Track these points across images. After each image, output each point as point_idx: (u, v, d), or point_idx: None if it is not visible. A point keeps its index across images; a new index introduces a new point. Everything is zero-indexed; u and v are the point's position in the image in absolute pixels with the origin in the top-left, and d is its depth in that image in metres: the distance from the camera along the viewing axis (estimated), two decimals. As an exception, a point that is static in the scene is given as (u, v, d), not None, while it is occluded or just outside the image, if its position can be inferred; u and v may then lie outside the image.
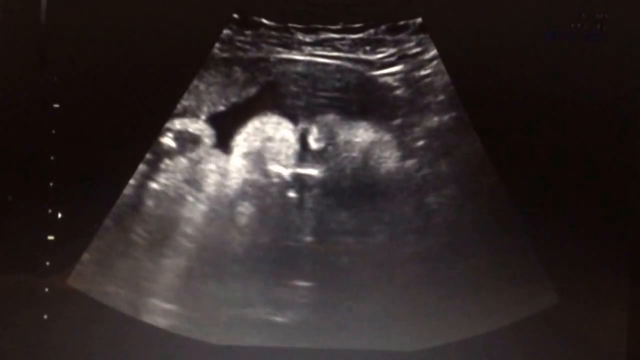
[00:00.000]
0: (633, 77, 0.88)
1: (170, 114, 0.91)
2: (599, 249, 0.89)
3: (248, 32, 0.92)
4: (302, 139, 0.92)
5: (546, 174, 0.89)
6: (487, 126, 0.90)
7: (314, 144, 0.92)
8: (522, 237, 0.89)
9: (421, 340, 0.90)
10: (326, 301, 0.91)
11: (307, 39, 0.91)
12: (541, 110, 0.88)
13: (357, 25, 0.91)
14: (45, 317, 0.89)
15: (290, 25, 0.91)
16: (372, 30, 0.92)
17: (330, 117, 0.92)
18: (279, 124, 0.92)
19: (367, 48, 0.92)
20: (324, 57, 0.92)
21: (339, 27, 0.91)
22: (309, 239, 0.92)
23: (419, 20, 0.91)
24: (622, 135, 0.88)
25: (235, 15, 0.92)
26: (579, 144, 0.89)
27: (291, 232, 0.92)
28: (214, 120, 0.92)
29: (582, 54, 0.88)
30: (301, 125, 0.92)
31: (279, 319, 0.91)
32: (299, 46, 0.91)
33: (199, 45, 0.90)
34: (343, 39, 0.91)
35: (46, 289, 0.89)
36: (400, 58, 0.92)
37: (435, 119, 0.91)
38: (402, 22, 0.91)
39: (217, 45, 0.92)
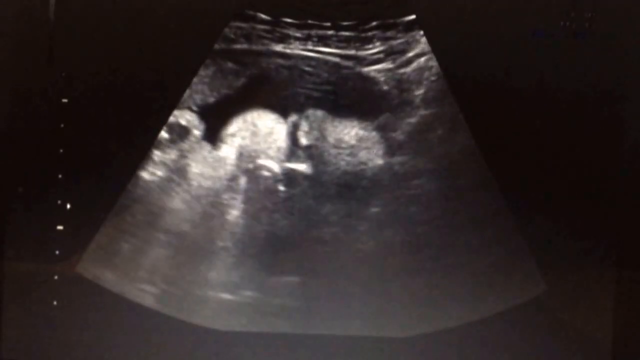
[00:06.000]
0: (620, 73, 0.90)
1: (174, 109, 0.93)
2: (586, 239, 0.90)
3: (241, 25, 0.93)
4: (292, 133, 0.93)
5: (535, 166, 0.90)
6: (477, 120, 0.91)
7: (303, 138, 0.94)
8: (511, 227, 0.91)
9: (412, 327, 0.92)
10: (317, 289, 0.93)
11: (299, 34, 0.93)
12: (530, 105, 0.90)
13: (348, 23, 0.93)
14: (55, 303, 0.91)
15: (283, 20, 0.93)
16: (363, 28, 0.93)
17: (320, 112, 0.93)
18: (268, 117, 0.93)
19: (358, 44, 0.93)
20: (315, 52, 0.93)
21: (330, 24, 0.93)
22: (298, 230, 0.93)
23: (410, 18, 0.93)
24: (610, 129, 0.90)
25: (245, 11, 0.93)
26: (567, 137, 0.90)
27: (280, 223, 0.93)
28: (205, 113, 0.94)
29: (570, 51, 0.90)
30: (291, 119, 0.93)
31: (270, 305, 0.93)
32: (291, 41, 0.93)
33: (203, 40, 0.92)
34: (334, 35, 0.93)
35: (55, 277, 0.91)
36: (390, 55, 0.93)
37: (423, 113, 0.93)
38: (392, 20, 0.93)
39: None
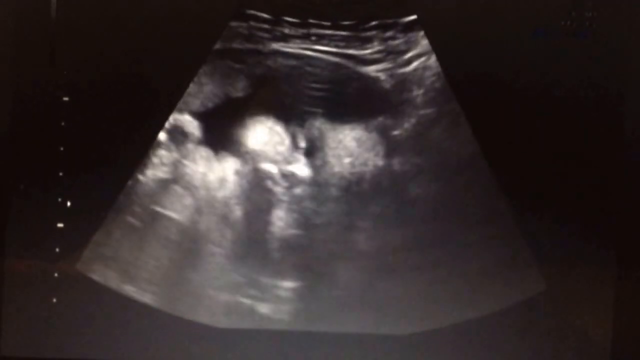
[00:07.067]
0: (619, 72, 0.90)
1: (174, 108, 0.93)
2: (586, 237, 0.90)
3: (241, 25, 0.93)
4: (291, 133, 0.94)
5: (535, 164, 0.91)
6: (478, 119, 0.91)
7: (302, 138, 0.94)
8: (512, 226, 0.91)
9: (413, 325, 0.92)
10: (318, 288, 0.93)
11: (300, 34, 0.93)
12: (531, 104, 0.90)
13: (348, 22, 0.93)
14: (55, 300, 0.91)
15: (283, 19, 0.93)
16: (363, 27, 0.93)
17: (320, 111, 0.93)
18: (268, 116, 0.94)
19: (358, 44, 0.93)
20: (315, 52, 0.93)
21: (330, 23, 0.93)
22: (298, 230, 0.94)
23: (410, 18, 0.93)
24: (610, 128, 0.90)
25: (245, 11, 0.93)
26: (567, 137, 0.90)
27: (280, 223, 0.93)
28: (205, 113, 0.94)
29: (571, 50, 0.90)
30: (290, 119, 0.94)
31: (269, 304, 0.93)
32: (291, 40, 0.93)
33: (204, 40, 0.92)
34: (334, 34, 0.93)
35: (56, 274, 0.92)
36: (390, 54, 0.93)
37: (424, 113, 0.93)
38: (392, 20, 0.93)
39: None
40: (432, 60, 0.93)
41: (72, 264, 0.92)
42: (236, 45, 0.93)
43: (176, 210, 0.94)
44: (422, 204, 0.93)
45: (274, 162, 0.94)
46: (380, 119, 0.94)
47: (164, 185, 0.94)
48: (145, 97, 0.92)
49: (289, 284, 0.93)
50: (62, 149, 0.91)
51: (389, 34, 0.94)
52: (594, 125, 0.90)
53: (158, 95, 0.92)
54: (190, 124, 0.94)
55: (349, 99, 0.94)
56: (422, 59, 0.94)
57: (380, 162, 0.94)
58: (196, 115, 0.94)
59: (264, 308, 0.93)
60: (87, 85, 0.91)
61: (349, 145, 0.94)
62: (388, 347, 0.92)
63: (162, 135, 0.94)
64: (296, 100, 0.94)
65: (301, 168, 0.94)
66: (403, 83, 0.94)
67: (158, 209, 0.94)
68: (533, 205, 0.91)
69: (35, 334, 0.92)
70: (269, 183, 0.94)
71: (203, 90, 0.94)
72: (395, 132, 0.94)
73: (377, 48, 0.94)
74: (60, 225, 0.91)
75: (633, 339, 0.91)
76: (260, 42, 0.93)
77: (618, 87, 0.90)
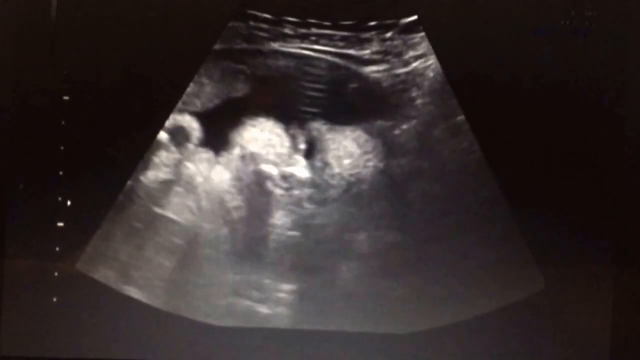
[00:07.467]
0: (618, 71, 0.90)
1: (174, 108, 0.93)
2: (585, 237, 0.91)
3: (241, 25, 0.93)
4: (290, 134, 0.94)
5: (534, 163, 0.91)
6: (478, 119, 0.91)
7: (301, 139, 0.94)
8: (511, 225, 0.91)
9: (412, 324, 0.92)
10: (318, 287, 0.93)
11: (299, 34, 0.93)
12: (531, 102, 0.90)
13: (348, 22, 0.93)
14: (55, 299, 0.91)
15: (284, 18, 0.93)
16: (363, 27, 0.93)
17: (319, 112, 0.93)
18: (267, 117, 0.94)
19: (358, 44, 0.93)
20: (314, 52, 0.93)
21: (330, 23, 0.93)
22: (299, 231, 0.94)
23: (410, 18, 0.93)
24: (610, 127, 0.90)
25: (245, 10, 0.93)
26: (567, 136, 0.90)
27: (280, 225, 0.94)
28: (204, 113, 0.94)
29: (571, 49, 0.90)
30: (289, 119, 0.93)
31: (270, 303, 0.93)
32: (290, 40, 0.93)
33: (204, 40, 0.92)
34: (334, 35, 0.93)
35: (55, 274, 0.92)
36: (390, 55, 0.93)
37: (424, 114, 0.93)
38: (392, 21, 0.93)
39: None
40: (432, 60, 0.93)
41: (72, 264, 0.92)
42: (236, 45, 0.93)
43: (176, 210, 0.94)
44: (421, 204, 0.93)
45: (274, 162, 0.94)
46: (380, 119, 0.94)
47: (164, 185, 0.94)
48: (145, 97, 0.92)
49: (288, 284, 0.94)
50: (62, 148, 0.91)
51: (388, 34, 0.94)
52: (594, 125, 0.90)
53: (158, 95, 0.92)
54: (190, 124, 0.94)
55: (348, 99, 0.94)
56: (422, 59, 0.94)
57: (379, 163, 0.94)
58: (196, 115, 0.94)
59: (263, 308, 0.94)
60: (87, 85, 0.91)
61: (349, 146, 0.94)
62: (388, 347, 0.92)
63: (162, 136, 0.94)
64: (296, 101, 0.94)
65: (301, 169, 0.94)
66: (403, 83, 0.94)
67: (158, 209, 0.94)
68: (533, 205, 0.91)
69: (35, 334, 0.92)
70: (269, 184, 0.94)
71: (203, 90, 0.94)
72: (395, 133, 0.94)
73: (377, 48, 0.94)
74: (60, 224, 0.91)
75: (632, 338, 0.92)
76: (260, 42, 0.93)
77: (618, 86, 0.90)
